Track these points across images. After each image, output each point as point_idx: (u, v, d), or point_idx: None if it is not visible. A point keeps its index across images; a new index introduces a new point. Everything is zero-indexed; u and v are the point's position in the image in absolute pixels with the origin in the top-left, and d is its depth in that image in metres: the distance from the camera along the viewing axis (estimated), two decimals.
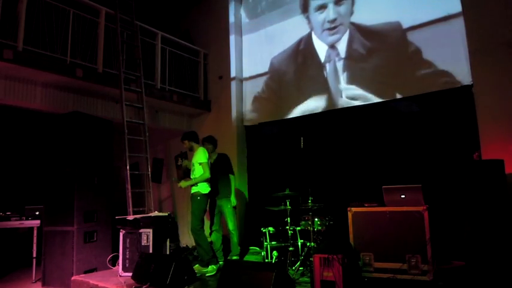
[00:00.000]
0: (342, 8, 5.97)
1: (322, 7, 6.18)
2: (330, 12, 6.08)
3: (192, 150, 5.18)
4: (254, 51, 7.10)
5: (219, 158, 5.40)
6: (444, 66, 4.95)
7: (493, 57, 4.51)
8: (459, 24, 4.87)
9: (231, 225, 5.13)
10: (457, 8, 4.90)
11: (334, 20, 6.00)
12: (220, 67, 7.26)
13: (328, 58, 6.04)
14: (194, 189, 4.94)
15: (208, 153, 5.11)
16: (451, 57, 4.89)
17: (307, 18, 6.41)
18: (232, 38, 7.19)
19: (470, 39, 4.71)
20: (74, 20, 5.34)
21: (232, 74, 7.11)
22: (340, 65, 5.89)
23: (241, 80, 7.20)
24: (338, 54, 5.94)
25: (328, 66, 6.03)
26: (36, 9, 4.91)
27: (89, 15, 5.57)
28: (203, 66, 7.41)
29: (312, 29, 6.34)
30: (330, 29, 6.05)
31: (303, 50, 6.38)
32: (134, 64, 6.00)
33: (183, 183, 5.07)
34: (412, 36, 5.23)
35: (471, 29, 4.72)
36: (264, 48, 6.92)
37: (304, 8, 6.49)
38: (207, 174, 4.88)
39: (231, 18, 7.25)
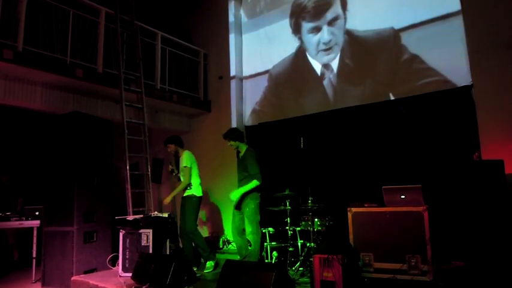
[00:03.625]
0: (335, 28, 5.94)
1: (316, 29, 6.16)
2: (325, 34, 6.05)
3: (177, 154, 5.18)
4: (254, 50, 7.10)
5: (246, 153, 4.82)
6: (444, 67, 4.95)
7: (493, 57, 4.51)
8: (458, 24, 4.87)
9: (248, 228, 4.59)
10: (456, 7, 4.90)
11: (329, 42, 5.99)
12: (220, 67, 7.27)
13: (324, 70, 6.07)
14: (188, 192, 5.00)
15: (235, 149, 4.91)
16: (451, 57, 4.89)
17: (300, 39, 6.40)
18: (232, 38, 7.20)
19: (470, 39, 4.72)
20: (74, 20, 5.35)
21: (232, 73, 7.12)
22: (338, 70, 5.90)
23: (241, 79, 7.20)
24: (333, 70, 5.95)
25: (325, 74, 6.06)
26: (36, 9, 4.92)
27: (89, 15, 5.58)
28: (203, 66, 7.42)
29: (305, 50, 6.32)
30: (325, 49, 6.04)
31: (301, 63, 6.37)
32: (134, 64, 6.00)
33: (167, 199, 5.05)
34: (410, 37, 5.23)
35: (470, 28, 4.72)
36: (263, 47, 6.92)
37: (296, 29, 6.47)
38: (187, 180, 4.94)
39: (231, 18, 7.26)
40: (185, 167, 4.96)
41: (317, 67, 6.17)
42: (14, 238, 6.21)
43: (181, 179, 5.07)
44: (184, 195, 5.04)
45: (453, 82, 4.87)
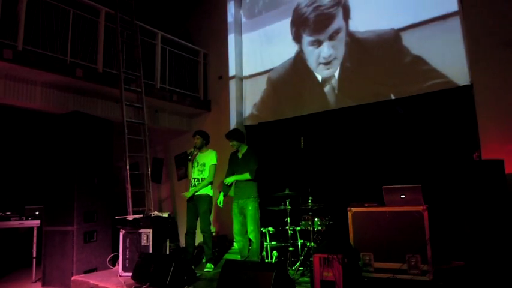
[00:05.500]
0: (336, 41, 5.92)
1: (316, 42, 6.16)
2: (325, 49, 6.03)
3: (200, 148, 5.22)
4: (254, 50, 7.10)
5: (247, 152, 5.00)
6: (444, 67, 4.95)
7: (492, 57, 4.52)
8: (457, 24, 4.87)
9: (250, 227, 4.71)
10: (454, 7, 4.90)
11: (329, 56, 5.98)
12: (220, 67, 7.26)
13: (325, 82, 6.07)
14: (204, 191, 5.06)
15: (236, 148, 5.05)
16: (451, 57, 4.88)
17: (300, 48, 6.38)
18: (232, 38, 7.19)
19: (469, 39, 4.72)
20: (74, 20, 5.35)
21: (232, 73, 7.11)
22: (339, 72, 5.91)
23: (241, 79, 7.19)
24: (334, 76, 5.96)
25: (326, 81, 6.07)
26: (36, 9, 4.92)
27: (89, 15, 5.58)
28: (203, 66, 7.42)
29: (305, 60, 6.31)
30: (325, 63, 6.03)
31: (301, 68, 6.35)
32: (134, 64, 6.00)
33: (188, 194, 5.09)
34: (411, 38, 5.22)
35: (470, 28, 4.72)
36: (263, 47, 6.92)
37: (297, 38, 6.46)
38: (211, 177, 5.11)
39: (230, 18, 7.26)
40: (214, 164, 5.10)
41: (320, 77, 6.16)
42: None
43: (197, 174, 5.12)
44: (200, 193, 5.06)
45: (453, 82, 4.87)
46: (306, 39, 6.30)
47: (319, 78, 6.12)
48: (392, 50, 5.38)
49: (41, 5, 4.96)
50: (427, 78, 5.05)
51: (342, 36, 5.89)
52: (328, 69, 6.00)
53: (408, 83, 5.21)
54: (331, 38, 5.98)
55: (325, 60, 6.01)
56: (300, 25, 6.41)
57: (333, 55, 5.95)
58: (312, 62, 6.21)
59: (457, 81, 4.84)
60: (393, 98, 5.32)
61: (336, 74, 5.91)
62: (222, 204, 5.05)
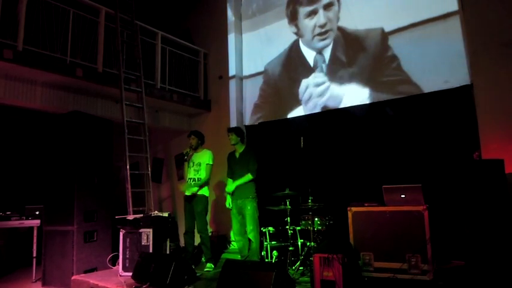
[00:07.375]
0: (331, 13, 6.04)
1: (312, 13, 6.23)
2: (321, 17, 6.13)
3: (196, 148, 5.21)
4: (254, 50, 7.10)
5: (245, 152, 5.04)
6: (444, 66, 4.94)
7: (493, 56, 4.51)
8: (457, 23, 4.87)
9: (249, 227, 4.75)
10: (454, 7, 4.90)
11: (324, 25, 6.05)
12: (220, 66, 7.26)
13: (316, 64, 6.12)
14: (200, 192, 5.05)
15: (233, 144, 5.05)
16: (450, 57, 4.88)
17: (296, 26, 6.45)
18: (232, 37, 7.19)
19: (470, 39, 4.72)
20: (74, 20, 5.35)
21: (232, 73, 7.11)
22: (333, 67, 5.94)
23: (241, 79, 7.19)
24: (324, 60, 6.01)
25: (318, 70, 6.10)
26: (36, 9, 4.92)
27: (89, 15, 5.58)
28: (203, 65, 7.42)
29: (300, 37, 6.38)
30: (320, 34, 6.10)
31: (294, 56, 6.44)
32: (134, 64, 6.01)
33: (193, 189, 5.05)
34: (411, 37, 5.22)
35: (470, 28, 4.72)
36: (263, 47, 6.92)
37: (293, 17, 6.53)
38: (208, 176, 5.08)
39: (230, 18, 7.26)
40: (210, 165, 5.10)
41: (311, 61, 6.19)
42: None
43: (193, 174, 5.12)
44: (198, 194, 5.04)
45: (453, 82, 4.86)
46: (302, 12, 6.38)
47: (311, 62, 6.18)
48: (391, 49, 5.38)
49: (41, 5, 4.96)
50: (427, 78, 5.05)
51: (335, 10, 5.98)
52: (323, 40, 6.06)
53: (408, 83, 5.21)
54: (326, 8, 6.09)
55: (320, 29, 6.09)
56: (296, 1, 6.49)
57: (328, 25, 6.03)
58: (307, 35, 6.27)
59: (457, 81, 4.83)
60: (393, 97, 5.32)
61: (327, 55, 5.96)
62: (230, 205, 5.01)
